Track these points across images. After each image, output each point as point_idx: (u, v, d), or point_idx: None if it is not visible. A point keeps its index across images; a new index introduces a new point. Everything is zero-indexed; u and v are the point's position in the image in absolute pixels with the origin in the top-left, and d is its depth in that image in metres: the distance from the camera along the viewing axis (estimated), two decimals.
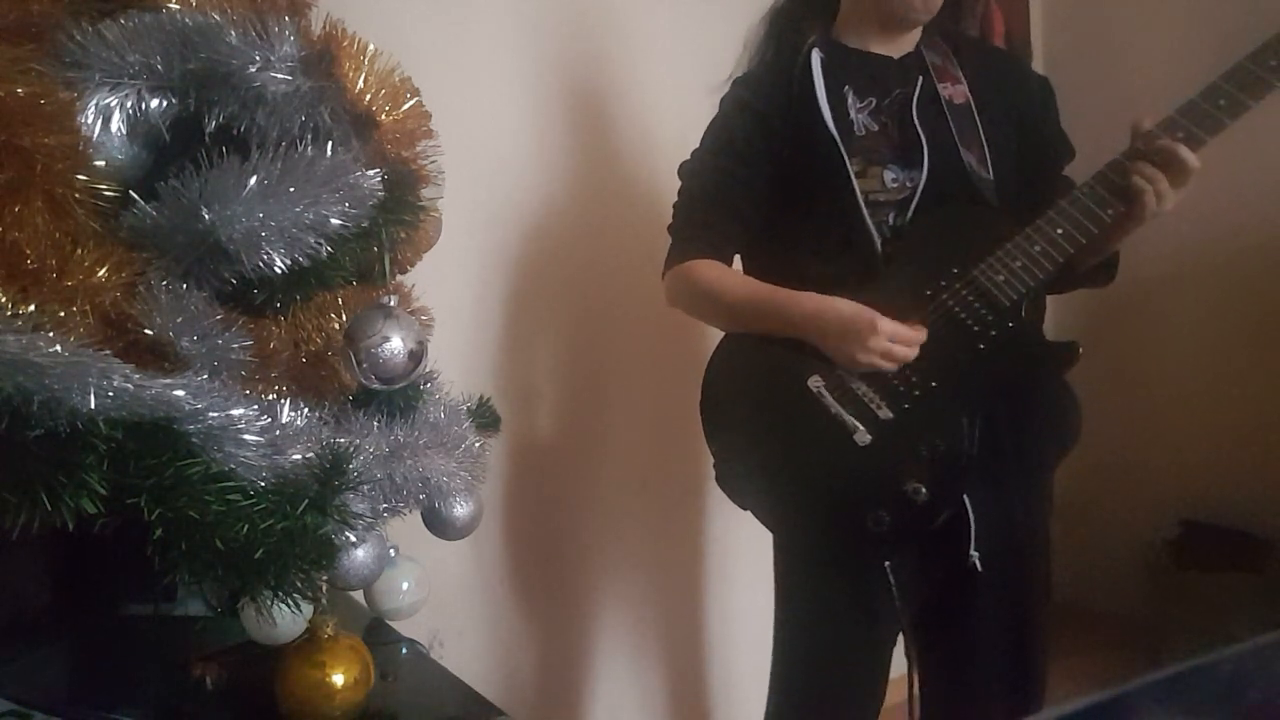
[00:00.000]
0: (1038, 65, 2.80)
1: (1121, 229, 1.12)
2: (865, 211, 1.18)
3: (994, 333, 1.12)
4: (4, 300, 0.64)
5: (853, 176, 1.19)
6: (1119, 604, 2.68)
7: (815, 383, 1.16)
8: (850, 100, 1.23)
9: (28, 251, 0.67)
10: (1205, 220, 2.43)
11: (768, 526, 1.24)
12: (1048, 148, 1.28)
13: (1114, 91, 2.20)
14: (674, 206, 1.33)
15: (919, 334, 1.12)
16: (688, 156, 1.34)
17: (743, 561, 2.10)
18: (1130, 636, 2.49)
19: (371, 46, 0.83)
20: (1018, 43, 2.69)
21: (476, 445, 0.98)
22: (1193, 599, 2.34)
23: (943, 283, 1.15)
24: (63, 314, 0.67)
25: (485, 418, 1.08)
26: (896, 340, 1.11)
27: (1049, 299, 1.31)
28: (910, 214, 1.19)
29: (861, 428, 1.14)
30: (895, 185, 1.20)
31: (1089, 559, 2.75)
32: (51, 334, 0.62)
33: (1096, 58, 2.68)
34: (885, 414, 1.14)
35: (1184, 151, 1.04)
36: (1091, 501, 2.72)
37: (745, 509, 1.25)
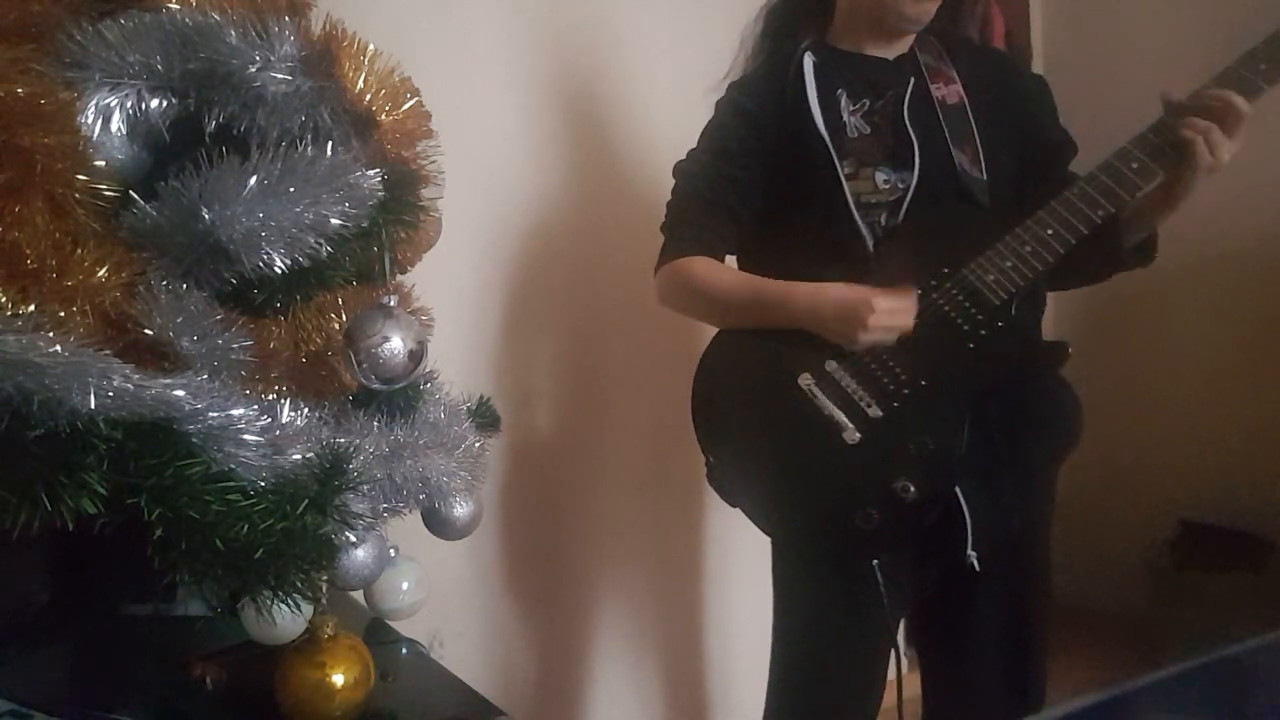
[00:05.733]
0: (1038, 65, 2.80)
1: (1172, 198, 1.12)
2: (856, 213, 1.19)
3: (984, 332, 1.12)
4: (4, 300, 0.64)
5: (843, 179, 1.19)
6: (1119, 604, 2.68)
7: (806, 380, 1.17)
8: (843, 103, 1.24)
9: (28, 251, 0.67)
10: (1205, 220, 2.42)
11: (758, 525, 1.24)
12: (1049, 145, 1.28)
13: (1114, 91, 2.20)
14: (667, 205, 1.34)
15: (910, 299, 1.12)
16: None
17: (741, 561, 2.10)
18: (1130, 636, 2.49)
19: (371, 46, 0.83)
20: (1018, 43, 2.69)
21: (476, 445, 0.98)
22: (1193, 599, 2.34)
23: (933, 282, 1.15)
24: (63, 314, 0.67)
25: (485, 418, 1.08)
26: (894, 314, 1.11)
27: (1049, 298, 1.31)
28: (902, 215, 1.20)
29: (851, 425, 1.14)
30: (887, 186, 1.21)
31: (1089, 559, 2.75)
32: (51, 334, 0.62)
33: (1096, 58, 2.68)
34: (875, 412, 1.14)
35: (1236, 98, 1.04)
36: (1091, 501, 2.72)
37: (735, 507, 1.25)
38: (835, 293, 1.14)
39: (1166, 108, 1.09)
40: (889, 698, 1.30)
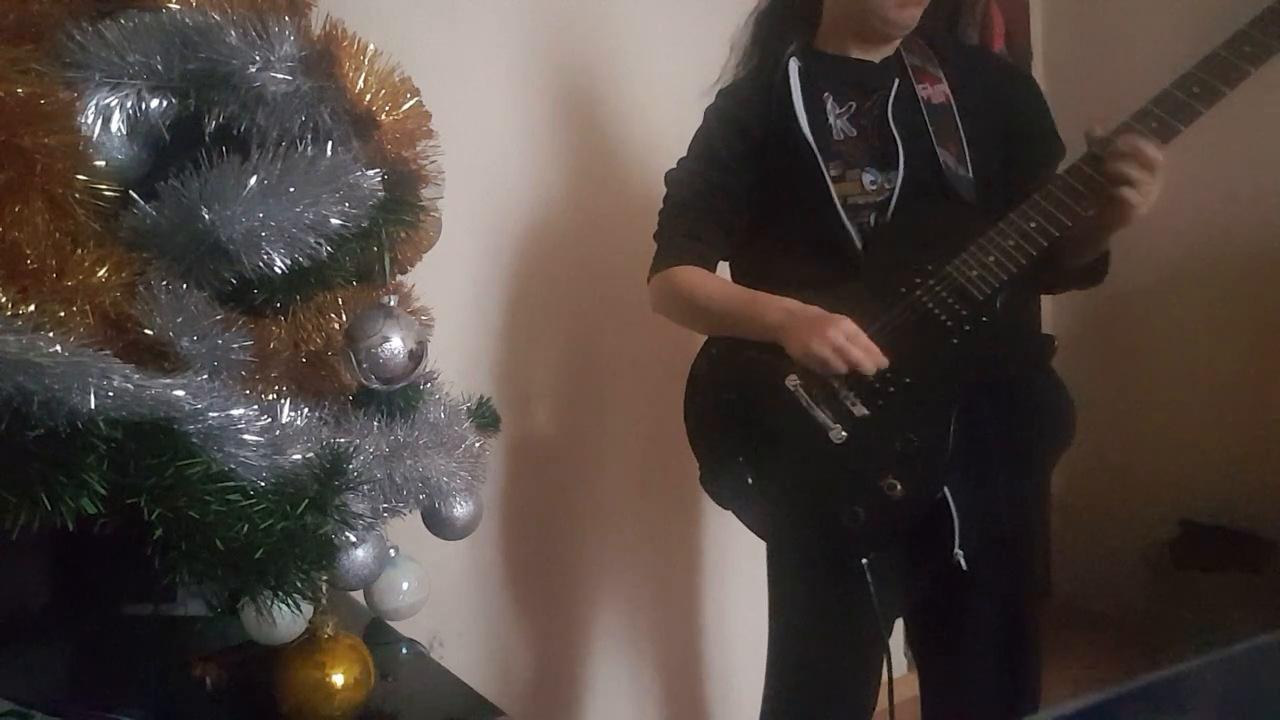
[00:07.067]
0: (1038, 66, 2.80)
1: (1105, 228, 1.12)
2: (844, 215, 1.19)
3: (968, 327, 1.12)
4: (4, 300, 0.64)
5: (829, 182, 1.20)
6: (1119, 604, 2.68)
7: (792, 381, 1.17)
8: (829, 106, 1.25)
9: (28, 251, 0.67)
10: (1205, 220, 2.43)
11: (749, 527, 1.25)
12: (1036, 145, 1.27)
13: (1114, 92, 2.19)
14: (659, 214, 1.34)
15: (879, 357, 1.11)
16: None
17: (740, 562, 2.10)
18: (1130, 636, 2.49)
19: (371, 46, 0.83)
20: (1018, 44, 2.69)
21: (476, 445, 0.98)
22: (1193, 599, 2.34)
23: (917, 279, 1.15)
24: (63, 314, 0.67)
25: (485, 418, 1.08)
26: (855, 342, 1.10)
27: (1047, 298, 1.31)
28: (889, 215, 1.20)
29: (836, 425, 1.14)
30: (874, 187, 1.21)
31: (1089, 559, 2.75)
32: (51, 334, 0.62)
33: (1096, 58, 2.68)
34: (860, 411, 1.14)
35: (1146, 144, 1.03)
36: (1091, 501, 2.72)
37: (727, 509, 1.25)
38: (813, 310, 1.15)
39: (1090, 144, 1.08)
40: (884, 699, 1.30)
